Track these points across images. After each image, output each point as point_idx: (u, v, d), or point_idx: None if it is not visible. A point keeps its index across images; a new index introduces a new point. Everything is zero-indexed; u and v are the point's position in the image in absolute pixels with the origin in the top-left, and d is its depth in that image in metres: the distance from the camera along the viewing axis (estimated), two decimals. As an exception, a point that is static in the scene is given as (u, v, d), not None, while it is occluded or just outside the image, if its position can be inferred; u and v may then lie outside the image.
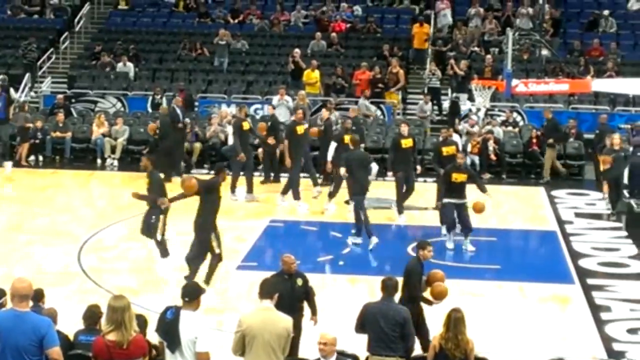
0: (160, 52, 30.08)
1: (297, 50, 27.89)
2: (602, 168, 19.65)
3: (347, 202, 18.28)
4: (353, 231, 16.51)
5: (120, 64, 28.50)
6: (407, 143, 18.05)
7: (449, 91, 27.05)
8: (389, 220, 18.36)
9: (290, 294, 10.01)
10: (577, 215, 19.35)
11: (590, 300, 13.86)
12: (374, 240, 16.15)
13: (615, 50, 28.28)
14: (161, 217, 14.56)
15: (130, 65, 28.45)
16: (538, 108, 25.86)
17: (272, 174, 21.66)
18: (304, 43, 29.30)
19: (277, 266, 10.81)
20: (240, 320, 8.46)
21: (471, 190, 16.56)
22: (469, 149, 22.93)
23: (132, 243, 15.68)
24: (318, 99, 26.32)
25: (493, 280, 14.98)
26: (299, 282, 10.35)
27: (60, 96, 26.46)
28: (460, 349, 8.87)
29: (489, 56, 27.43)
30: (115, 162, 23.95)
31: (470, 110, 25.04)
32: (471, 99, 24.58)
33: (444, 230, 16.81)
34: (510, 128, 24.85)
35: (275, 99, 24.93)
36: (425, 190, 19.29)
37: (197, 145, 23.77)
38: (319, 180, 20.27)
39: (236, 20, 30.94)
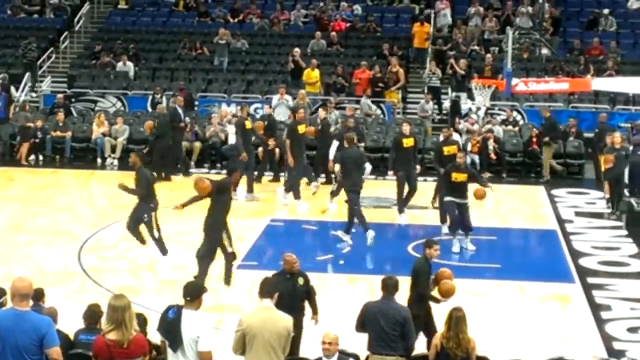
0: (160, 52, 30.07)
1: (297, 50, 27.89)
2: (604, 167, 19.64)
3: (347, 202, 18.26)
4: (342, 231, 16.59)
5: (120, 64, 28.49)
6: (408, 142, 18.03)
7: (449, 90, 27.05)
8: (390, 219, 18.35)
9: (291, 293, 10.01)
10: (577, 214, 19.36)
11: (591, 299, 13.86)
12: (371, 233, 16.11)
13: (615, 49, 28.27)
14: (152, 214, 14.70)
15: (130, 64, 28.45)
16: (538, 107, 25.85)
17: (273, 173, 21.70)
18: (304, 42, 29.30)
19: (277, 265, 10.81)
20: (240, 319, 8.46)
21: (471, 189, 16.54)
22: (469, 148, 22.92)
23: (132, 242, 15.66)
24: (318, 98, 26.31)
25: (493, 279, 14.99)
26: (301, 281, 10.34)
27: (60, 95, 26.46)
28: (462, 348, 8.87)
29: (488, 55, 27.42)
30: (115, 162, 23.95)
31: (470, 109, 25.04)
32: (471, 98, 24.57)
33: (444, 230, 16.82)
34: (510, 127, 24.85)
35: (275, 98, 24.95)
36: (426, 190, 19.28)
37: (197, 144, 23.79)
38: (320, 180, 20.29)
39: (236, 20, 30.93)
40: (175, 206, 13.94)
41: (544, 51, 26.94)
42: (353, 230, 16.53)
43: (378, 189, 20.39)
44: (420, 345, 10.06)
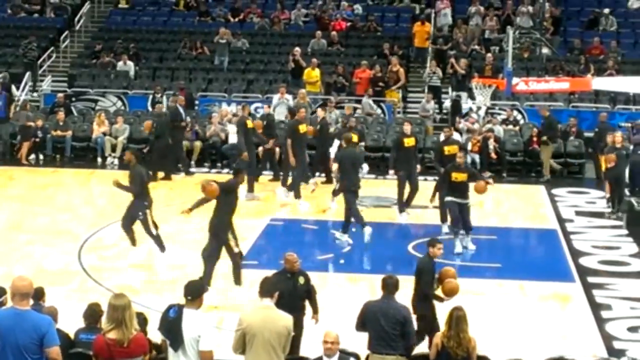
0: (160, 51, 30.07)
1: (297, 49, 27.88)
2: (605, 167, 19.64)
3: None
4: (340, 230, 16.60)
5: (120, 63, 28.49)
6: (409, 142, 18.04)
7: (450, 90, 27.05)
8: (390, 219, 18.35)
9: (292, 293, 10.01)
10: (578, 213, 19.36)
11: (591, 298, 13.86)
12: (368, 230, 16.08)
13: (616, 49, 28.27)
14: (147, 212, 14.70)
15: (130, 64, 28.45)
16: (538, 107, 25.83)
17: (273, 173, 21.69)
18: (305, 42, 29.30)
19: (277, 265, 10.81)
20: (240, 318, 8.46)
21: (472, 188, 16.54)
22: (469, 147, 22.92)
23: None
24: (318, 97, 26.31)
25: (494, 278, 14.99)
26: (301, 280, 10.34)
27: (60, 95, 26.45)
28: (462, 347, 8.87)
29: (489, 54, 27.42)
30: (116, 161, 23.93)
31: (470, 108, 25.04)
32: (472, 97, 24.54)
33: (445, 229, 16.81)
34: (510, 126, 24.84)
35: (276, 98, 24.94)
36: (426, 189, 19.25)
37: (198, 144, 23.79)
38: (320, 179, 20.28)
39: (236, 19, 30.93)
40: (183, 211, 13.81)
41: (545, 51, 26.92)
42: (353, 229, 16.52)
43: (378, 188, 20.39)
44: (421, 344, 10.07)
